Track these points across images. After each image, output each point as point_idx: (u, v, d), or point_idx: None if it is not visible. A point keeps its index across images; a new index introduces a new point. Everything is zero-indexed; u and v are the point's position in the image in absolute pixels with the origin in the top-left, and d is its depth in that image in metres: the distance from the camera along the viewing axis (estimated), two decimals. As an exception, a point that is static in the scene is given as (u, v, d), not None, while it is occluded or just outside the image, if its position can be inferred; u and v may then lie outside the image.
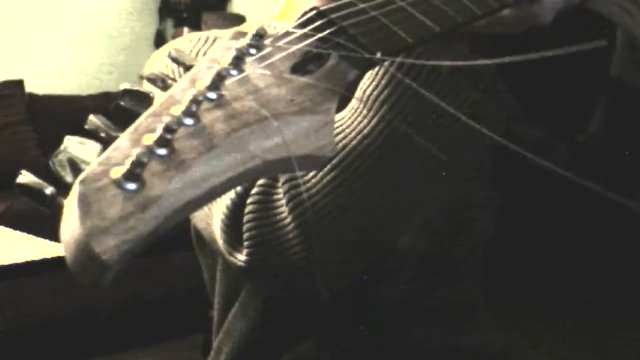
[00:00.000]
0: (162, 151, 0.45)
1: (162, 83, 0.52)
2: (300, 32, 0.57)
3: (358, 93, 0.77)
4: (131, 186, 0.43)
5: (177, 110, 0.47)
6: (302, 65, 0.55)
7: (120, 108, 0.50)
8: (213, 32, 0.99)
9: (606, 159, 0.97)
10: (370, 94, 0.77)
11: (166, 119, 0.46)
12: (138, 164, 0.43)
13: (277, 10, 1.05)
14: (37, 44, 4.14)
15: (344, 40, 0.58)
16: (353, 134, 0.77)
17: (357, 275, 0.85)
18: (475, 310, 0.97)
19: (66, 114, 3.75)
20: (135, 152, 0.44)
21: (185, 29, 4.36)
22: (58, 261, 1.92)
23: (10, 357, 2.90)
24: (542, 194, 0.98)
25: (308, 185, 0.78)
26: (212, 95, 0.49)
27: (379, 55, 0.59)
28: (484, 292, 0.94)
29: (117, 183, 0.43)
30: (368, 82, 0.77)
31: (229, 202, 0.82)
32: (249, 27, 1.04)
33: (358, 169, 0.76)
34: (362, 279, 0.88)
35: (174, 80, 0.52)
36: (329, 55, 0.56)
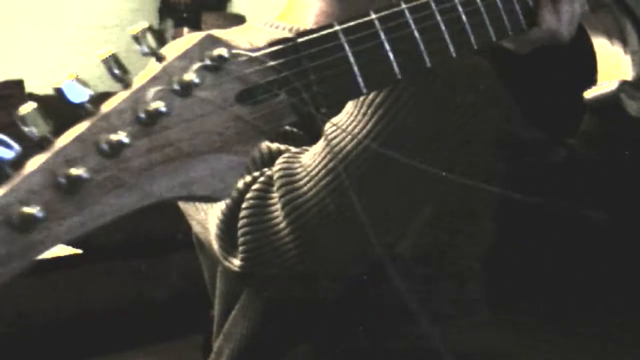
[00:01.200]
0: (69, 189, 0.46)
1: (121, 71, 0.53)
2: (260, 60, 0.56)
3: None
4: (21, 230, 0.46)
5: (103, 140, 0.48)
6: (253, 93, 0.55)
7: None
8: (213, 32, 0.98)
9: (599, 161, 0.98)
10: (366, 98, 0.76)
11: (87, 152, 0.47)
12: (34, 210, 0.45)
13: (279, 9, 1.05)
14: (37, 44, 4.14)
15: (299, 83, 0.57)
16: (348, 138, 0.77)
17: (356, 277, 0.85)
18: (475, 310, 0.97)
19: (66, 113, 3.74)
20: (43, 192, 0.46)
21: (185, 29, 4.36)
22: (58, 261, 1.93)
23: (10, 357, 2.90)
24: (543, 194, 0.98)
25: (304, 189, 0.78)
26: (145, 119, 0.50)
27: (323, 111, 0.59)
28: (485, 292, 0.94)
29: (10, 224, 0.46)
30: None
31: (223, 207, 0.82)
32: (248, 27, 1.04)
33: (353, 173, 0.76)
34: (362, 279, 0.87)
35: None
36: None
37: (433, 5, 0.69)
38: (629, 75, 0.94)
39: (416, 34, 0.67)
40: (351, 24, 0.62)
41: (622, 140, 0.97)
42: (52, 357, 2.99)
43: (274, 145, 0.85)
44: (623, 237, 0.94)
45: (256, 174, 0.83)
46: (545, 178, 1.01)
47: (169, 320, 3.12)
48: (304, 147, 0.82)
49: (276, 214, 0.79)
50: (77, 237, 0.48)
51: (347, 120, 0.78)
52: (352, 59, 0.61)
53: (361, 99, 0.77)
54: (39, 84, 3.95)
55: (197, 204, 0.86)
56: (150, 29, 0.53)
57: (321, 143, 0.79)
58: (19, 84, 3.75)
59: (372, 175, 0.76)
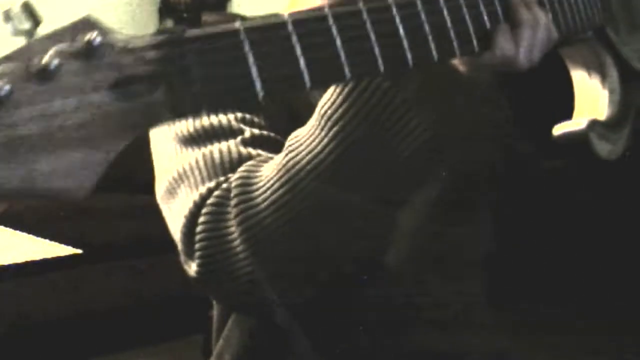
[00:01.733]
0: None
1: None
2: (139, 50, 0.50)
3: (317, 109, 0.77)
4: None
5: None
6: (128, 85, 0.49)
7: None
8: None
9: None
10: (325, 112, 0.75)
11: None
12: None
13: (280, 8, 1.04)
14: (37, 44, 4.14)
15: (180, 80, 0.51)
16: (304, 152, 0.76)
17: (323, 287, 0.84)
18: (475, 310, 0.97)
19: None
20: None
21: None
22: (58, 261, 1.93)
23: (10, 357, 2.90)
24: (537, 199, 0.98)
25: (258, 201, 0.77)
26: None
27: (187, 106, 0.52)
28: (484, 292, 0.94)
29: None
30: (325, 99, 0.76)
31: (186, 211, 0.82)
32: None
33: (305, 188, 0.75)
34: (362, 279, 0.87)
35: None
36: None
37: (364, 15, 0.63)
38: (603, 113, 0.89)
39: (338, 44, 0.60)
40: (254, 24, 0.56)
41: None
42: (52, 357, 2.99)
43: (245, 150, 0.84)
44: (622, 238, 0.94)
45: (221, 179, 0.83)
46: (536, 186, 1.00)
47: (169, 320, 3.12)
48: (270, 156, 0.81)
49: (231, 223, 0.79)
50: None
51: (306, 133, 0.77)
52: (251, 60, 0.55)
53: (322, 112, 0.75)
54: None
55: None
56: (26, 5, 0.49)
57: (282, 154, 0.79)
58: (19, 84, 3.75)
59: (324, 191, 0.75)
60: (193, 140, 0.87)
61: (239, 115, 0.87)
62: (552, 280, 0.90)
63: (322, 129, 0.75)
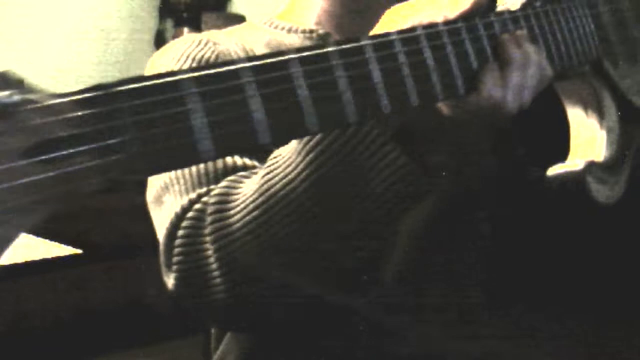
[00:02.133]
0: None
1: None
2: (60, 109, 0.43)
3: None
4: None
5: None
6: (48, 148, 0.42)
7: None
8: (211, 33, 0.98)
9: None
10: (303, 138, 0.74)
11: None
12: None
13: (281, 8, 1.04)
14: (35, 45, 4.14)
15: (113, 140, 0.44)
16: (280, 176, 0.75)
17: (298, 310, 0.83)
18: (475, 312, 0.96)
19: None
20: None
21: (185, 29, 4.35)
22: (58, 261, 1.92)
23: (10, 357, 2.90)
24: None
25: (232, 220, 0.77)
26: None
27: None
28: (484, 294, 0.94)
29: None
30: None
31: (168, 223, 0.81)
32: (248, 26, 1.03)
33: (279, 212, 0.74)
34: (362, 280, 0.87)
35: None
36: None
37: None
38: (601, 154, 0.83)
39: (302, 92, 0.54)
40: (202, 73, 0.49)
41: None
42: (52, 357, 2.98)
43: (232, 159, 0.83)
44: (622, 238, 0.93)
45: (203, 190, 0.82)
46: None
47: (169, 320, 3.12)
48: (255, 170, 0.81)
49: (207, 240, 0.78)
50: None
51: (285, 155, 0.76)
52: (196, 119, 0.48)
53: (313, 137, 0.73)
54: (39, 84, 3.95)
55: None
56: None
57: (261, 173, 0.78)
58: (19, 84, 3.75)
59: (297, 217, 0.74)
60: None
61: None
62: (551, 282, 0.89)
63: (299, 154, 0.74)
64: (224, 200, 0.78)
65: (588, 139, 0.84)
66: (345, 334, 0.90)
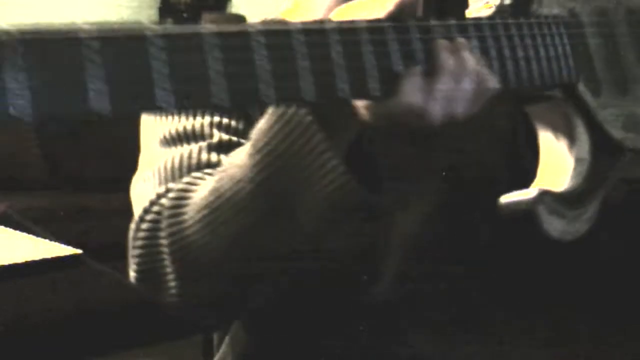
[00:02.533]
0: None
1: None
2: None
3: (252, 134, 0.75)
4: None
5: None
6: None
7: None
8: None
9: None
10: (254, 137, 0.74)
11: None
12: None
13: (284, 6, 1.04)
14: (37, 44, 4.14)
15: None
16: (229, 176, 0.75)
17: (257, 304, 0.84)
18: (474, 314, 0.96)
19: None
20: None
21: (185, 29, 4.36)
22: (58, 261, 1.92)
23: (11, 356, 2.90)
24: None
25: (186, 217, 0.77)
26: None
27: None
28: (483, 298, 0.94)
29: None
30: (259, 126, 0.74)
31: (136, 215, 0.82)
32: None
33: (226, 212, 0.74)
34: (362, 280, 0.87)
35: None
36: None
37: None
38: (565, 183, 0.78)
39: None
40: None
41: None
42: (52, 357, 2.98)
43: (206, 156, 0.84)
44: (622, 239, 0.93)
45: (171, 185, 0.82)
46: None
47: (169, 320, 3.12)
48: (216, 170, 0.80)
49: (164, 236, 0.79)
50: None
51: (238, 157, 0.76)
52: (159, 70, 0.50)
53: (252, 136, 0.73)
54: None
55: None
56: None
57: (217, 172, 0.78)
58: (19, 84, 3.74)
59: (243, 217, 0.73)
60: (167, 142, 0.87)
61: (216, 119, 0.86)
62: (551, 283, 0.89)
63: (248, 156, 0.73)
64: (179, 205, 0.79)
65: (556, 167, 0.79)
66: (345, 334, 0.90)
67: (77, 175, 3.65)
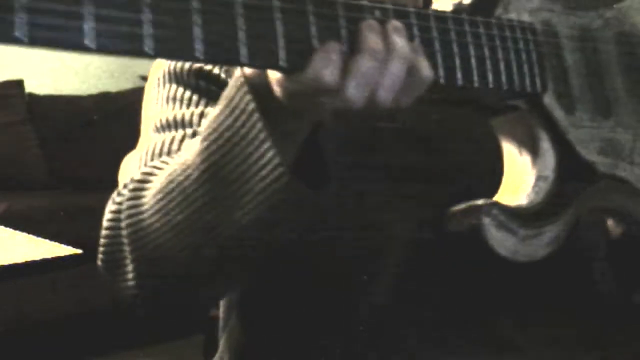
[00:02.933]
0: None
1: None
2: None
3: None
4: None
5: None
6: None
7: None
8: None
9: None
10: (205, 123, 0.74)
11: None
12: None
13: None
14: (37, 44, 4.14)
15: None
16: (181, 163, 0.75)
17: (214, 290, 0.85)
18: (474, 315, 0.96)
19: (66, 114, 3.74)
20: None
21: (185, 29, 4.35)
22: (58, 261, 1.92)
23: (11, 356, 2.90)
24: None
25: (144, 200, 0.78)
26: None
27: None
28: (483, 299, 0.94)
29: None
30: (211, 112, 0.74)
31: (110, 200, 0.83)
32: None
33: (176, 197, 0.75)
34: (362, 280, 0.87)
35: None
36: None
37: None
38: (523, 198, 0.73)
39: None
40: None
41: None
42: (52, 357, 2.99)
43: (167, 146, 0.85)
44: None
45: (145, 169, 0.83)
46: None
47: (169, 321, 3.12)
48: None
49: (124, 232, 0.80)
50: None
51: (191, 145, 0.76)
52: (145, 16, 0.53)
53: (205, 123, 0.73)
54: (39, 84, 3.95)
55: None
56: None
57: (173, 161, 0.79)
58: (19, 84, 3.75)
59: (191, 201, 0.74)
60: (157, 128, 0.88)
61: (207, 109, 0.87)
62: (551, 284, 0.89)
63: (199, 143, 0.74)
64: (140, 188, 0.80)
65: (517, 181, 0.74)
66: (345, 334, 0.90)
67: (77, 175, 3.65)
